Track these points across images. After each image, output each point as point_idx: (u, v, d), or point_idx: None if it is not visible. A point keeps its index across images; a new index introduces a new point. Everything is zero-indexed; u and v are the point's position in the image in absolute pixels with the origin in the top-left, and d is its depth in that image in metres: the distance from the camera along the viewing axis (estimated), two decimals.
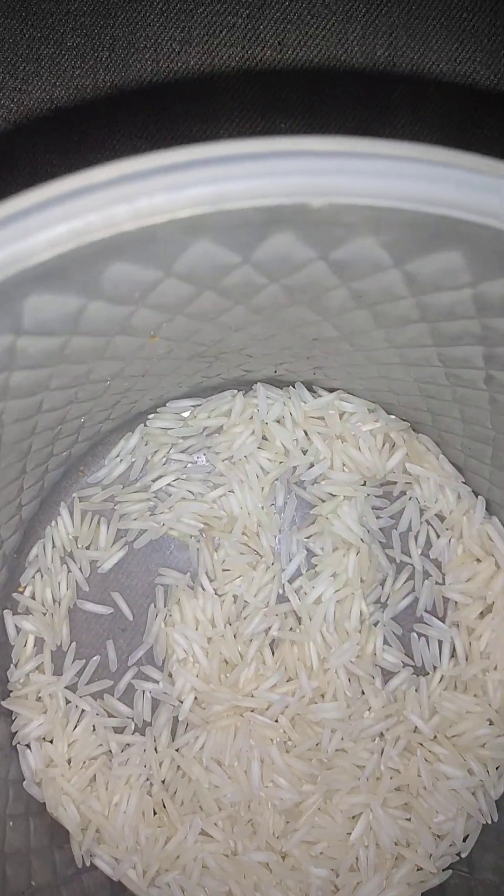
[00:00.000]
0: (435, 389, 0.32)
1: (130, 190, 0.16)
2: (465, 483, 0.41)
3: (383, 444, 0.41)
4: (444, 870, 0.38)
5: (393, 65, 0.41)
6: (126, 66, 0.43)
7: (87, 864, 0.38)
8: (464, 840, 0.39)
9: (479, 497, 0.40)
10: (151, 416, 0.41)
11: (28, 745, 0.39)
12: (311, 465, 0.41)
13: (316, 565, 0.41)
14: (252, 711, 0.39)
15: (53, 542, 0.41)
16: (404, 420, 0.41)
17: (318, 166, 0.16)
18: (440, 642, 0.40)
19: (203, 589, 0.40)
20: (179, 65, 0.43)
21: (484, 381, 0.28)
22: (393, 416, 0.41)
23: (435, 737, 0.39)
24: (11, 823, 0.36)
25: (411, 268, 0.20)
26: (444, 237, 0.18)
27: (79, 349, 0.23)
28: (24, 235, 0.16)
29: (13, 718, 0.40)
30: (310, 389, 0.41)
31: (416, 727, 0.39)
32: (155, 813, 0.39)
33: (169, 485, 0.41)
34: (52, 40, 0.44)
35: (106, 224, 0.16)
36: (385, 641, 0.40)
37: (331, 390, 0.40)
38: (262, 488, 0.41)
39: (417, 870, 0.38)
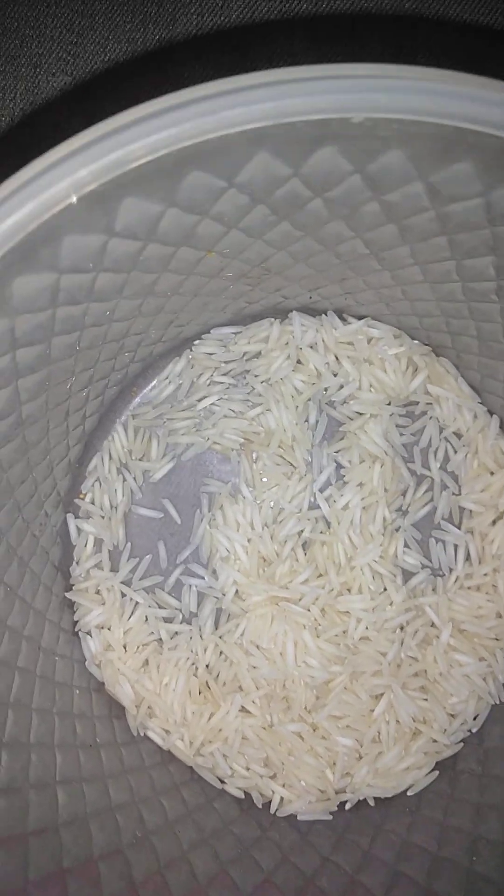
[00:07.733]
0: (454, 308, 0.36)
1: (213, 105, 0.20)
2: (480, 403, 0.45)
3: (407, 367, 0.45)
4: (456, 743, 0.43)
5: (419, 14, 0.45)
6: (173, 20, 0.46)
7: (142, 734, 0.44)
8: (474, 718, 0.43)
9: (494, 416, 0.45)
10: (196, 342, 0.46)
11: (89, 633, 0.44)
12: (341, 387, 0.45)
13: (344, 476, 0.45)
14: (286, 601, 0.43)
15: (110, 455, 0.46)
16: (426, 345, 0.45)
17: (359, 86, 0.20)
18: (456, 546, 0.45)
19: (243, 496, 0.45)
20: (223, 18, 0.46)
21: (496, 293, 0.32)
22: (416, 341, 0.45)
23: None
24: (77, 692, 0.42)
25: (433, 179, 0.24)
26: (457, 147, 0.22)
27: (151, 256, 0.27)
28: (126, 143, 0.20)
29: (75, 609, 0.45)
30: (340, 317, 0.45)
31: (433, 622, 0.44)
32: (200, 692, 0.44)
33: (213, 404, 0.46)
34: None
35: (196, 132, 0.20)
36: (406, 545, 0.45)
37: (360, 317, 0.45)
38: (297, 407, 0.45)
39: (433, 742, 0.43)
